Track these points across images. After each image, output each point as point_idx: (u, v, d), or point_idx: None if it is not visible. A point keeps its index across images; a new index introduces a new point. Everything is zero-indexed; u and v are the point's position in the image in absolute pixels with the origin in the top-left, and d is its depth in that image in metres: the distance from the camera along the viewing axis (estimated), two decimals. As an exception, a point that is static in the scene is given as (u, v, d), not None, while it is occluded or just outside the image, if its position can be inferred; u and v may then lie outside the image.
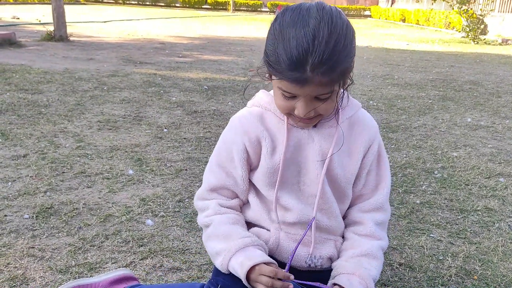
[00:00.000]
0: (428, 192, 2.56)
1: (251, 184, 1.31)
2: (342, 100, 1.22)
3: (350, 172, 1.27)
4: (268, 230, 1.31)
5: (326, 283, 1.32)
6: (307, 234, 1.28)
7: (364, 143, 1.27)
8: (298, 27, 1.03)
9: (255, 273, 1.14)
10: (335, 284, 1.19)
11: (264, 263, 1.16)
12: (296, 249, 1.20)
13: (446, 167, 2.98)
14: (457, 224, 2.20)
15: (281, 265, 1.35)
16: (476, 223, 2.22)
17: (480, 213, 2.33)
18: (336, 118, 1.24)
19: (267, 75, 1.17)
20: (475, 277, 1.76)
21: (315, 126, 1.23)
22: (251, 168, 1.29)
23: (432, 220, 2.23)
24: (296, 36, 1.02)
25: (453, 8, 15.80)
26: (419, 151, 3.31)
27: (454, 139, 3.65)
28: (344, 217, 1.35)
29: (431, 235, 2.09)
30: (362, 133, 1.27)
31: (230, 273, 1.27)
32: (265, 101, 1.27)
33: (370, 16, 34.98)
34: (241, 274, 1.16)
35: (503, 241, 2.05)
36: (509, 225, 2.22)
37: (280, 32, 1.06)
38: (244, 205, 1.36)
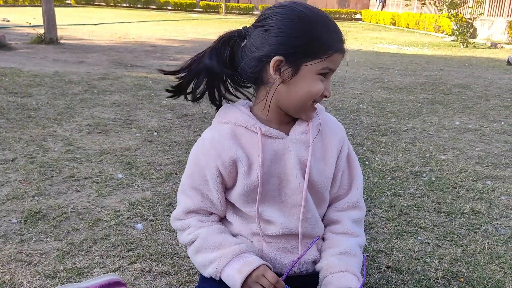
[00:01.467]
0: (416, 195, 2.58)
1: (228, 202, 1.30)
2: None
3: (326, 177, 1.28)
4: (250, 241, 1.30)
5: (312, 286, 1.33)
6: (293, 241, 1.28)
7: (336, 146, 1.30)
8: (315, 11, 1.16)
9: (256, 275, 1.14)
10: None
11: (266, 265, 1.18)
12: (294, 264, 1.20)
13: (434, 170, 3.01)
14: (444, 227, 2.22)
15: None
16: (463, 226, 2.24)
17: (467, 215, 2.35)
18: (308, 123, 1.26)
19: (275, 71, 1.13)
20: (462, 279, 1.78)
21: (287, 134, 1.24)
22: (227, 188, 1.27)
23: (419, 223, 2.25)
24: (323, 16, 1.16)
25: (442, 12, 15.94)
26: (408, 154, 3.33)
27: (442, 142, 3.69)
28: (321, 219, 1.36)
29: (418, 237, 2.11)
30: (332, 137, 1.30)
31: (217, 279, 1.27)
32: (233, 116, 1.23)
33: (361, 19, 35.16)
34: (238, 280, 1.15)
35: (489, 243, 2.08)
36: (495, 227, 2.24)
37: (318, 16, 1.15)
38: (222, 219, 1.35)
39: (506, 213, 2.41)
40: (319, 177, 1.26)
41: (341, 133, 1.33)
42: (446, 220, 2.30)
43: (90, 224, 2.07)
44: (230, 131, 1.21)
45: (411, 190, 2.65)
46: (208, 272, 1.22)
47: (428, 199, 2.54)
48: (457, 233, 2.17)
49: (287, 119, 1.25)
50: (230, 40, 1.22)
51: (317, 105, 1.27)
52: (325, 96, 1.18)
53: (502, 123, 4.40)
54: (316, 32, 1.12)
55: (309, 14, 1.13)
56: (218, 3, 34.52)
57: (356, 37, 16.45)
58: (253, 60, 1.15)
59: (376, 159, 3.17)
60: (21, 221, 2.05)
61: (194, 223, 1.26)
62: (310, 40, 1.11)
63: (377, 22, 29.86)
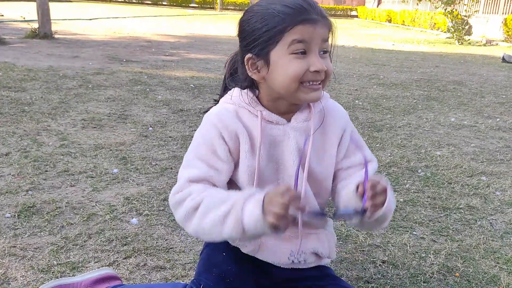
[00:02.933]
0: (412, 191, 2.58)
1: (229, 184, 1.27)
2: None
3: (326, 166, 1.27)
4: None
5: (313, 281, 1.32)
6: (292, 229, 1.27)
7: (337, 133, 1.29)
8: None
9: (268, 198, 1.01)
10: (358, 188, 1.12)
11: None
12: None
13: (430, 165, 3.01)
14: (439, 222, 2.22)
15: (266, 266, 1.35)
16: (458, 221, 2.25)
17: (462, 211, 2.35)
18: (310, 110, 1.26)
19: (252, 68, 1.18)
20: (457, 274, 1.78)
21: (289, 121, 1.23)
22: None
23: (415, 218, 2.25)
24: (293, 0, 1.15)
25: (438, 9, 15.97)
26: (403, 150, 3.33)
27: (437, 138, 3.69)
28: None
29: (414, 232, 2.11)
30: (334, 124, 1.29)
31: (213, 272, 1.27)
32: (238, 98, 1.25)
33: (356, 16, 35.16)
34: (257, 210, 1.02)
35: (484, 238, 2.08)
36: (490, 223, 2.25)
37: (266, 4, 1.16)
38: None
39: (501, 209, 2.41)
40: (318, 167, 1.25)
41: (343, 118, 1.31)
42: (442, 215, 2.30)
43: (85, 219, 2.05)
44: (234, 110, 1.24)
45: (407, 186, 2.65)
46: (227, 225, 1.07)
47: (424, 195, 2.54)
48: (453, 228, 2.17)
49: (293, 108, 1.25)
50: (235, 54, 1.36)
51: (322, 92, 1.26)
52: (317, 71, 1.13)
53: (497, 119, 4.41)
54: (269, 16, 1.14)
55: (263, 4, 1.16)
56: (213, -1, 34.40)
57: (351, 34, 16.45)
58: (239, 66, 1.25)
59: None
60: (15, 215, 2.03)
61: (197, 188, 1.16)
62: (266, 26, 1.14)
63: (372, 19, 29.87)
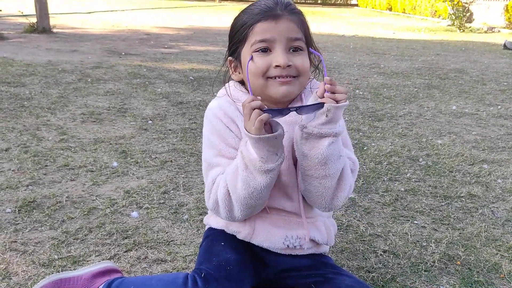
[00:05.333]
0: (413, 180, 2.57)
1: None
2: (312, 75, 1.33)
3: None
4: None
5: (312, 269, 1.32)
6: (288, 218, 1.33)
7: None
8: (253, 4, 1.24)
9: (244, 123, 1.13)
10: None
11: None
12: (292, 108, 1.15)
13: (431, 154, 3.00)
14: (440, 211, 2.22)
15: (263, 253, 1.35)
16: (460, 210, 2.24)
17: (463, 199, 2.35)
18: (301, 102, 1.30)
19: (234, 70, 1.29)
20: (458, 262, 1.78)
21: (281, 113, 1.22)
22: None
23: (416, 207, 2.24)
24: (261, 2, 1.22)
25: (438, -4, 15.83)
26: (404, 139, 3.32)
27: (439, 126, 3.68)
28: None
29: (415, 221, 2.10)
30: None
31: (213, 261, 1.26)
32: (234, 93, 1.31)
33: (356, 5, 34.93)
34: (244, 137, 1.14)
35: (486, 226, 2.08)
36: (492, 210, 2.24)
37: (246, 8, 1.24)
38: None
39: (502, 196, 2.40)
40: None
41: None
42: (443, 204, 2.30)
43: (85, 213, 2.05)
44: (231, 103, 1.30)
45: (408, 175, 2.64)
46: (256, 167, 1.13)
47: (425, 184, 2.53)
48: (454, 216, 2.17)
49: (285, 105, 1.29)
50: None
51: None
52: (279, 66, 1.17)
53: (499, 107, 4.39)
54: (239, 19, 1.24)
55: (242, 10, 1.25)
56: (212, -10, 34.20)
57: (352, 23, 16.35)
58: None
59: (373, 144, 3.16)
60: (15, 210, 2.03)
61: (220, 179, 1.24)
62: (235, 28, 1.24)
63: (373, 8, 29.68)
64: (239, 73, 1.28)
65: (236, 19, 1.26)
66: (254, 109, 1.07)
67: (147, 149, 2.89)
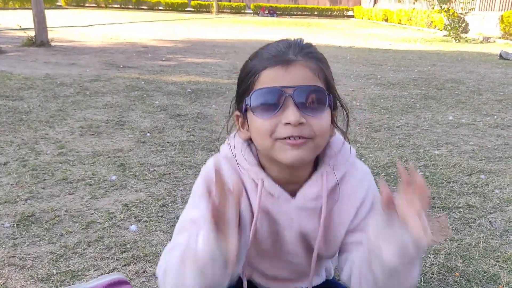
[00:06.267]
0: (411, 191, 2.58)
1: None
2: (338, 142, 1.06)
3: (334, 246, 1.08)
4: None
5: None
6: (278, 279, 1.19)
7: (352, 210, 1.05)
8: (273, 43, 1.01)
9: None
10: None
11: None
12: None
13: (428, 165, 3.01)
14: (438, 222, 2.22)
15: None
16: (458, 220, 2.24)
17: (461, 210, 2.35)
18: (322, 184, 1.02)
19: (242, 128, 1.03)
20: (457, 273, 1.78)
21: (293, 195, 1.02)
22: None
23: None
24: (276, 42, 0.99)
25: (433, 8, 15.99)
26: (402, 150, 3.33)
27: (436, 137, 3.69)
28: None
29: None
30: (350, 198, 1.05)
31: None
32: (240, 157, 1.05)
33: (353, 16, 35.21)
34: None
35: (484, 237, 2.08)
36: (490, 221, 2.25)
37: (256, 52, 1.00)
38: None
39: (500, 207, 2.41)
40: (325, 250, 1.09)
41: (363, 188, 1.06)
42: (441, 214, 2.30)
43: (84, 227, 2.05)
44: (234, 169, 1.05)
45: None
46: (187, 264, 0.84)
47: (423, 194, 2.53)
48: (452, 227, 2.17)
49: (299, 174, 1.03)
50: None
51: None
52: (289, 124, 0.92)
53: (495, 117, 4.42)
54: (247, 65, 0.99)
55: (251, 55, 1.01)
56: (209, 3, 34.49)
57: (348, 34, 16.48)
58: None
59: (370, 155, 3.17)
60: (13, 225, 2.03)
61: (176, 244, 0.96)
62: (241, 75, 1.00)
63: (369, 19, 29.91)
64: (247, 130, 1.01)
65: (244, 64, 1.01)
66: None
67: (146, 162, 2.89)
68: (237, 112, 1.03)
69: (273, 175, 1.02)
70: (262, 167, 1.04)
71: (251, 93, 0.94)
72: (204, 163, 1.12)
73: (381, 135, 3.69)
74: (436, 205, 2.40)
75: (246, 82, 0.97)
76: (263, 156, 1.03)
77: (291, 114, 0.90)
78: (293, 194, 1.03)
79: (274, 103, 0.92)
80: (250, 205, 1.04)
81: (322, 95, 0.94)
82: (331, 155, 1.05)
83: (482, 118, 4.36)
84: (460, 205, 2.40)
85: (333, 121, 1.00)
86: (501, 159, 3.18)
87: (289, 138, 0.92)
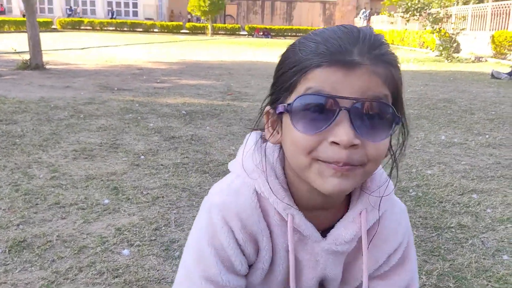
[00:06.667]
0: (403, 211, 2.59)
1: None
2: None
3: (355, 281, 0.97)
4: None
5: None
6: None
7: (385, 254, 0.94)
8: (328, 29, 0.78)
9: None
10: None
11: None
12: None
13: (421, 185, 3.03)
14: (431, 242, 2.23)
15: None
16: (450, 240, 2.25)
17: (453, 230, 2.36)
18: (361, 225, 0.87)
19: (271, 128, 0.85)
20: (450, 295, 1.78)
21: (324, 235, 0.87)
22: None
23: (407, 239, 2.25)
24: (331, 30, 0.77)
25: (425, 28, 16.23)
26: (395, 169, 3.34)
27: (428, 157, 3.72)
28: None
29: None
30: (386, 242, 0.93)
31: None
32: (262, 181, 0.85)
33: (346, 37, 35.59)
34: None
35: (476, 257, 2.09)
36: (482, 241, 2.25)
37: (303, 39, 0.79)
38: None
39: (492, 226, 2.42)
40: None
41: (401, 233, 0.95)
42: (433, 235, 2.31)
43: (76, 252, 2.04)
44: (254, 199, 0.87)
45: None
46: None
47: (415, 215, 2.55)
48: (444, 247, 2.18)
49: (330, 201, 0.85)
50: None
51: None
52: (337, 144, 0.73)
53: (487, 136, 4.46)
54: (291, 54, 0.79)
55: (307, 35, 0.80)
56: (204, 24, 34.84)
57: (341, 55, 16.63)
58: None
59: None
60: (5, 250, 2.02)
61: None
62: (287, 64, 0.79)
63: (362, 39, 30.26)
64: (278, 132, 0.83)
65: (289, 51, 0.80)
66: None
67: (139, 185, 2.89)
68: (269, 108, 0.83)
69: (300, 197, 0.84)
70: (289, 189, 0.85)
71: (295, 96, 0.74)
72: (206, 193, 0.94)
73: (374, 156, 3.70)
74: (429, 225, 2.41)
75: (289, 77, 0.76)
76: (291, 172, 0.84)
77: (343, 132, 0.71)
78: (321, 229, 0.87)
79: (323, 115, 0.72)
80: (272, 244, 0.87)
81: (389, 113, 0.75)
82: (372, 188, 0.88)
83: (474, 137, 4.40)
84: (452, 225, 2.41)
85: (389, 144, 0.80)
86: (493, 178, 3.20)
87: (335, 164, 0.73)
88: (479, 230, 2.37)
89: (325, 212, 0.86)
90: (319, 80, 0.72)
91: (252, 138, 0.90)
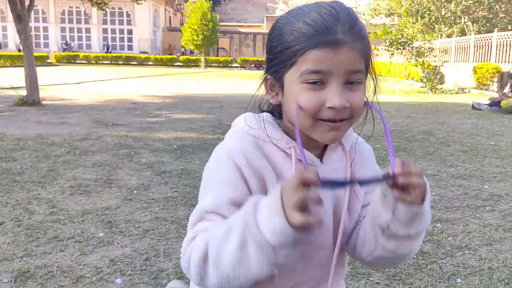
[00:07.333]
0: (372, 240, 2.85)
1: None
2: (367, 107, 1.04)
3: (355, 212, 1.09)
4: None
5: None
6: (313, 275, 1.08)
7: (368, 170, 1.13)
8: (311, 6, 0.97)
9: (284, 199, 0.80)
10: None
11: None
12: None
13: (391, 215, 3.29)
14: (394, 268, 2.48)
15: None
16: (411, 266, 2.50)
17: (415, 256, 2.62)
18: (343, 147, 1.09)
19: (271, 91, 1.03)
20: (405, 314, 2.03)
21: (321, 160, 1.05)
22: None
23: (372, 265, 2.51)
24: (313, 8, 0.96)
25: (409, 61, 16.80)
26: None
27: (402, 188, 3.98)
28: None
29: (370, 278, 2.36)
30: (363, 164, 1.13)
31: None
32: (258, 127, 1.04)
33: (336, 68, 36.38)
34: (275, 217, 0.80)
35: (432, 280, 2.34)
36: (440, 266, 2.51)
37: (290, 17, 0.97)
38: None
39: (451, 253, 2.68)
40: (350, 221, 1.09)
41: (371, 156, 1.17)
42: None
43: (74, 281, 2.28)
44: (256, 143, 1.03)
45: (368, 235, 2.91)
46: (252, 258, 0.83)
47: (383, 243, 2.80)
48: (405, 272, 2.43)
49: (315, 142, 1.03)
50: None
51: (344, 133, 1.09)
52: (331, 107, 0.93)
53: (459, 167, 4.75)
54: (285, 34, 0.96)
55: (292, 11, 0.99)
56: (198, 57, 35.53)
57: (330, 87, 17.09)
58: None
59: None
60: (11, 280, 2.25)
61: (199, 237, 0.94)
62: (280, 45, 0.97)
63: (351, 70, 30.97)
64: (277, 94, 1.02)
65: (279, 31, 0.99)
66: (308, 185, 0.77)
67: (131, 218, 3.14)
68: (268, 76, 1.02)
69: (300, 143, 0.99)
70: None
71: (298, 74, 0.94)
72: (208, 160, 1.07)
73: (351, 188, 3.97)
74: (394, 253, 2.66)
75: (288, 55, 0.95)
76: (287, 126, 1.04)
77: (336, 99, 0.92)
78: (320, 160, 1.06)
79: (322, 87, 0.94)
80: (278, 177, 1.01)
81: (363, 76, 0.98)
82: None
83: (446, 169, 4.69)
84: (415, 252, 2.66)
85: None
86: (458, 208, 3.48)
87: (330, 121, 0.95)
88: (438, 256, 2.63)
89: (317, 151, 1.07)
90: (315, 61, 0.92)
91: (248, 113, 1.10)
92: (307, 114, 0.94)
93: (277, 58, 0.97)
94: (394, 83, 19.81)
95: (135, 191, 3.75)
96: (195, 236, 0.95)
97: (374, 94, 1.06)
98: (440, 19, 25.10)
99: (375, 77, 1.04)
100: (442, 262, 2.56)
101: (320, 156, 1.06)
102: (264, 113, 1.08)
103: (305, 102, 0.93)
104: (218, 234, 0.89)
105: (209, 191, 1.01)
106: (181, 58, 36.27)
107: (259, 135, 1.03)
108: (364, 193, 1.10)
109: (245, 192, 0.98)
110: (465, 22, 23.82)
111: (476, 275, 2.41)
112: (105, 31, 39.88)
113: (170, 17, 46.92)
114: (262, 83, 1.06)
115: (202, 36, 31.52)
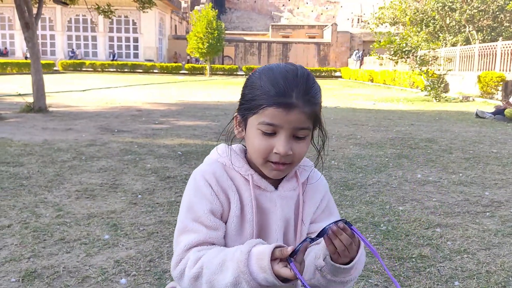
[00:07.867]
0: (372, 243, 2.90)
1: None
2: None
3: (304, 230, 1.33)
4: None
5: None
6: None
7: (315, 204, 1.35)
8: (280, 68, 1.21)
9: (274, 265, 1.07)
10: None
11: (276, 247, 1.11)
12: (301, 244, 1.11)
13: (392, 220, 3.34)
14: (393, 271, 2.53)
15: None
16: (410, 269, 2.55)
17: (414, 260, 2.66)
18: (297, 180, 1.31)
19: (239, 127, 1.27)
20: (402, 315, 2.07)
21: (276, 188, 1.29)
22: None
23: (372, 267, 2.55)
24: (280, 72, 1.19)
25: (413, 70, 16.85)
26: (370, 206, 3.67)
27: (403, 194, 4.04)
28: None
29: (369, 280, 2.41)
30: (315, 193, 1.35)
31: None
32: (226, 157, 1.29)
33: (340, 76, 36.50)
34: (268, 273, 1.05)
35: (430, 283, 2.38)
36: (438, 269, 2.55)
37: (262, 74, 1.21)
38: None
39: (449, 257, 2.72)
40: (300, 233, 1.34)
41: (324, 190, 1.38)
42: (396, 264, 2.61)
43: (80, 281, 2.34)
44: (224, 169, 1.28)
45: (368, 239, 2.96)
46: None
47: (383, 247, 2.85)
48: (404, 275, 2.47)
49: None
50: None
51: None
52: (277, 153, 1.18)
53: (460, 174, 4.79)
54: (256, 85, 1.19)
55: (265, 69, 1.22)
56: (203, 65, 35.72)
57: (335, 95, 17.18)
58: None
59: (341, 212, 3.50)
60: (19, 279, 2.32)
61: (192, 254, 1.18)
62: (249, 95, 1.21)
63: (356, 79, 31.05)
64: (243, 130, 1.26)
65: (251, 83, 1.22)
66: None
67: (136, 222, 3.20)
68: (237, 114, 1.28)
69: (256, 168, 1.28)
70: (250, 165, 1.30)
71: (257, 121, 1.19)
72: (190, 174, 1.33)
73: (353, 193, 4.03)
74: (393, 256, 2.71)
75: (252, 105, 1.19)
76: (250, 157, 1.28)
77: (282, 147, 1.17)
78: (275, 188, 1.30)
79: (272, 136, 1.18)
80: (240, 197, 1.27)
81: (308, 132, 1.21)
82: (301, 163, 1.35)
83: (448, 176, 4.73)
84: (414, 256, 2.71)
85: (312, 138, 1.27)
86: (458, 214, 3.52)
87: (275, 164, 1.20)
88: (437, 259, 2.68)
89: (275, 181, 1.31)
90: (271, 116, 1.16)
91: (221, 144, 1.36)
92: (259, 155, 1.20)
93: (246, 104, 1.22)
94: (398, 91, 19.87)
95: (140, 196, 3.81)
96: (188, 250, 1.19)
97: (321, 148, 1.32)
98: (445, 28, 25.18)
99: (324, 133, 1.29)
100: (441, 266, 2.60)
101: (276, 184, 1.30)
102: (236, 145, 1.34)
103: (259, 145, 1.19)
104: (213, 263, 1.12)
105: (187, 203, 1.25)
106: (186, 66, 36.47)
107: (226, 162, 1.29)
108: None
109: (219, 204, 1.24)
110: (469, 31, 23.89)
111: (474, 278, 2.45)
112: (111, 39, 40.18)
113: (175, 25, 47.23)
114: (233, 119, 1.31)
115: (207, 44, 31.71)
